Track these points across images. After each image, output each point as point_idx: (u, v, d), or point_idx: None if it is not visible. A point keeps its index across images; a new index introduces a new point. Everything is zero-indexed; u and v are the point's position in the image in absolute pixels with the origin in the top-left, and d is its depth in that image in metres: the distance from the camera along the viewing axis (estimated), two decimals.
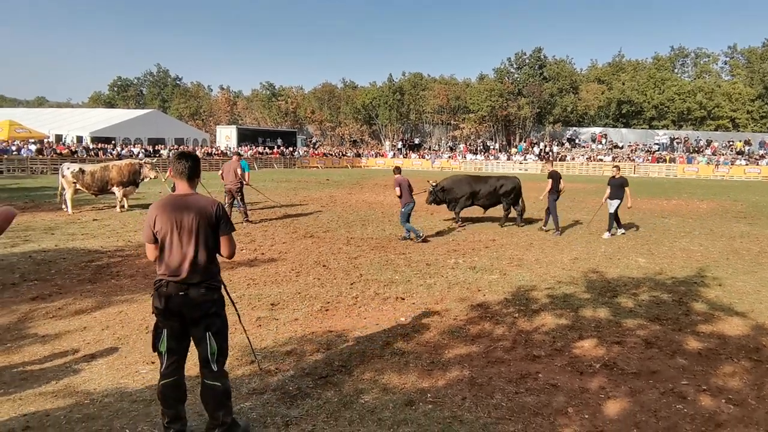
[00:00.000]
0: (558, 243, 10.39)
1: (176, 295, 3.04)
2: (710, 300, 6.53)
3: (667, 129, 49.17)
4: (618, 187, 11.32)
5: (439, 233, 11.34)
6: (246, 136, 48.93)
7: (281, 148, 47.90)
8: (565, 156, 46.39)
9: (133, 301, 6.05)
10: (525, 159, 46.15)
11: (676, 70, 55.51)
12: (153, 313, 3.15)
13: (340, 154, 50.52)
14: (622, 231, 11.52)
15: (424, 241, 10.17)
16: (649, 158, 43.62)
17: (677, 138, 47.22)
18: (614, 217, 11.33)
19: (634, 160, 43.44)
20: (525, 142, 50.83)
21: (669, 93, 48.50)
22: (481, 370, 4.34)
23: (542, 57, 52.21)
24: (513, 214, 12.75)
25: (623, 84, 51.32)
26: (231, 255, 3.28)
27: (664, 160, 42.63)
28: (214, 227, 3.15)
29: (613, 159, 44.01)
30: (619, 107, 51.11)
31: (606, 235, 11.19)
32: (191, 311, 3.06)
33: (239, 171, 12.21)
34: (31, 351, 4.59)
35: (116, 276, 7.21)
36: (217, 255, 3.27)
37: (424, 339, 5.05)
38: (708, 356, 4.75)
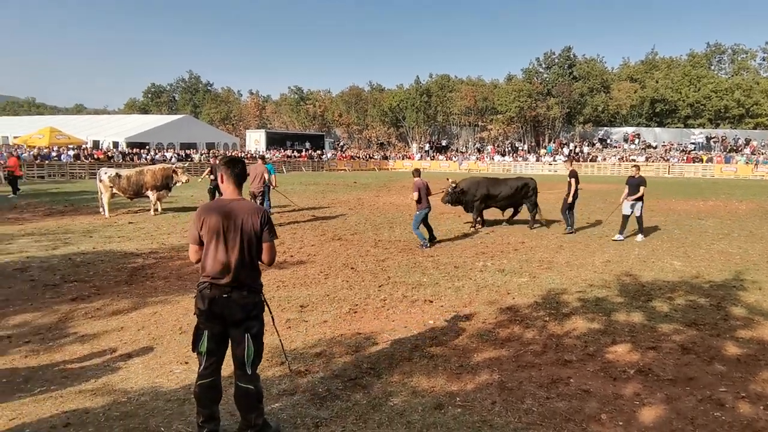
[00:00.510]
0: (589, 245, 10.19)
1: (219, 298, 3.10)
2: (750, 304, 6.30)
3: (703, 128, 47.70)
4: (635, 186, 10.89)
5: (466, 235, 11.26)
6: (275, 140, 49.63)
7: (309, 151, 48.38)
8: (596, 156, 45.49)
9: (167, 303, 6.20)
10: (554, 160, 45.43)
11: (712, 67, 53.78)
12: (195, 314, 3.22)
13: (368, 156, 50.70)
14: (641, 236, 10.80)
15: (427, 246, 9.83)
16: (685, 158, 42.37)
17: (714, 137, 45.76)
18: (640, 219, 10.92)
19: (668, 160, 42.28)
20: (554, 142, 50.05)
21: (705, 91, 47.04)
22: (511, 375, 4.30)
23: (572, 56, 51.36)
24: (509, 215, 13.01)
25: (657, 82, 50.01)
26: (271, 262, 3.32)
27: (701, 160, 41.35)
28: (258, 233, 3.19)
29: (647, 159, 42.96)
30: (652, 106, 49.83)
31: (639, 237, 10.81)
32: (233, 314, 3.11)
33: (266, 175, 12.46)
34: (72, 350, 4.76)
35: (151, 278, 7.41)
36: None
37: (452, 342, 5.02)
38: (747, 362, 4.59)
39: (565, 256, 9.16)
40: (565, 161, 13.29)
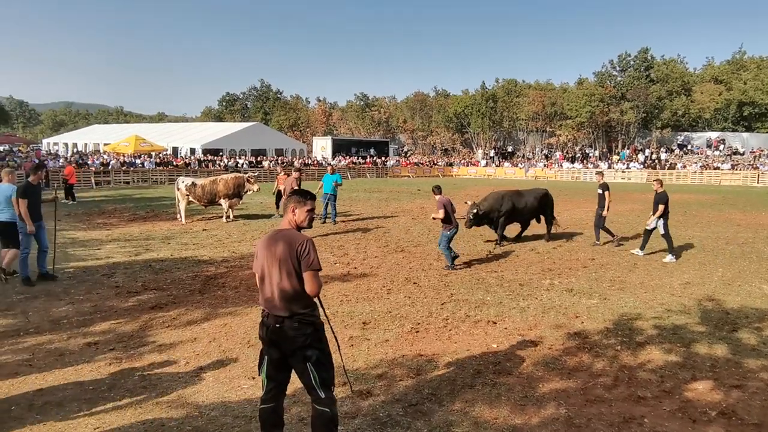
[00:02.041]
0: (666, 264, 9.60)
1: (273, 327, 3.19)
2: None
3: None
4: (655, 203, 10.20)
5: (533, 250, 10.94)
6: (340, 147, 50.58)
7: (374, 157, 48.91)
8: (675, 164, 42.83)
9: (237, 314, 6.46)
10: (628, 167, 43.24)
11: None
12: (259, 337, 3.35)
13: (432, 163, 50.53)
14: (672, 257, 9.97)
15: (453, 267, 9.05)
16: None
17: None
18: (666, 237, 10.15)
19: (758, 167, 39.03)
20: (628, 148, 47.64)
21: None
22: (578, 410, 4.11)
23: (649, 58, 48.73)
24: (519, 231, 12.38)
25: (745, 84, 46.32)
26: (313, 293, 3.21)
27: None
28: (297, 263, 3.19)
29: (733, 167, 39.93)
30: (739, 109, 46.23)
31: (668, 258, 9.98)
32: (286, 344, 3.18)
33: (295, 186, 12.59)
34: (150, 359, 5.07)
35: (222, 287, 7.75)
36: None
37: (517, 369, 4.88)
38: None
39: (639, 276, 8.68)
40: (596, 174, 12.63)
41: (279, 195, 15.52)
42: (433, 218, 9.30)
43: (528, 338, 5.72)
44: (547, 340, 5.65)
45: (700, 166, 41.12)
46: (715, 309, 6.84)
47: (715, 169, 39.95)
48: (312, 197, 3.41)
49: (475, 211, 11.01)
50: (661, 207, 10.11)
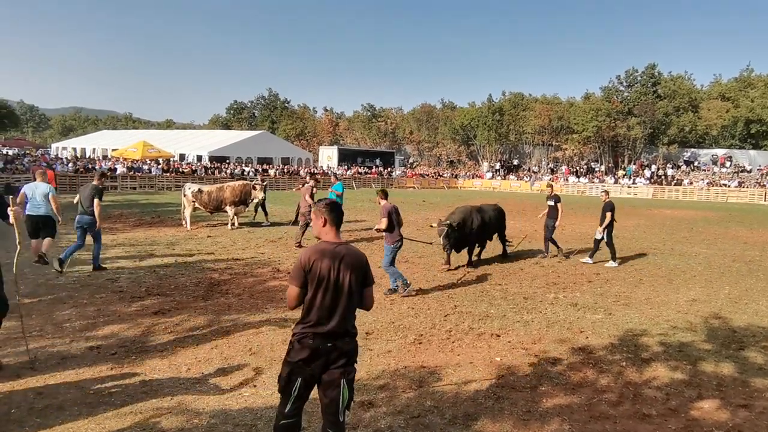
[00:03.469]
0: (672, 281, 9.52)
1: (323, 347, 3.03)
2: None
3: None
4: (602, 212, 10.79)
5: (537, 263, 10.89)
6: (346, 156, 50.77)
7: (379, 168, 49.02)
8: (682, 180, 42.69)
9: (239, 321, 6.44)
10: (634, 182, 43.15)
11: None
12: (288, 360, 3.09)
13: (437, 174, 50.60)
14: (614, 263, 10.75)
15: (408, 294, 7.88)
16: None
17: None
18: (610, 245, 10.80)
19: (765, 185, 38.86)
20: (635, 164, 47.57)
21: None
22: (582, 426, 4.06)
23: (656, 74, 48.85)
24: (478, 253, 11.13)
25: (752, 101, 46.32)
26: (371, 306, 3.30)
27: None
28: (362, 279, 3.15)
29: (740, 184, 39.78)
30: (746, 127, 46.18)
31: (610, 263, 10.69)
32: (336, 360, 3.05)
33: (307, 195, 12.47)
34: (152, 364, 5.05)
35: (225, 294, 7.74)
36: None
37: (520, 383, 4.83)
38: None
39: (644, 292, 8.61)
40: (547, 187, 12.58)
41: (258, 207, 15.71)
42: (377, 230, 8.31)
43: (532, 352, 5.67)
44: (551, 355, 5.60)
45: (707, 183, 40.97)
46: (722, 327, 6.77)
47: (722, 186, 39.80)
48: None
49: (448, 222, 9.65)
50: (608, 215, 10.58)
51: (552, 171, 50.62)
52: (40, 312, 6.54)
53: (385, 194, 8.50)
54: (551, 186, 12.54)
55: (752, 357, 5.67)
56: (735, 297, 8.40)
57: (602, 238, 10.75)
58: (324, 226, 3.23)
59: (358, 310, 3.23)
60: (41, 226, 8.81)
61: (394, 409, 4.25)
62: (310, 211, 12.57)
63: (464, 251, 10.58)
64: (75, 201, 9.04)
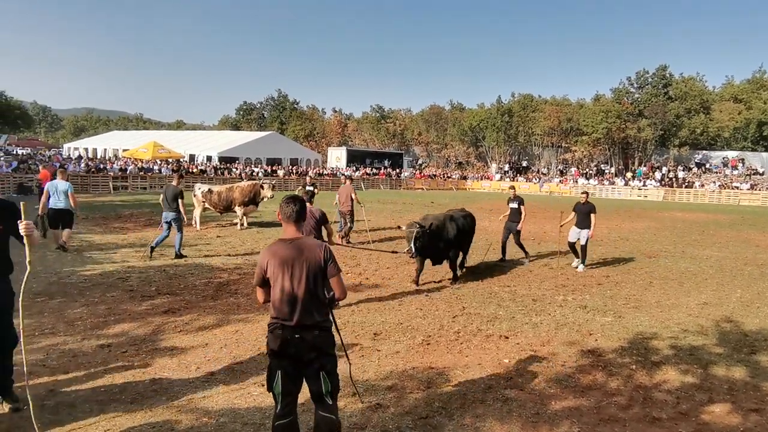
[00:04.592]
0: (683, 284, 9.44)
1: (291, 339, 3.11)
2: None
3: None
4: (585, 215, 10.19)
5: (546, 265, 10.83)
6: (355, 157, 50.84)
7: (388, 169, 49.03)
8: (693, 182, 42.30)
9: (248, 321, 6.47)
10: (644, 185, 42.80)
11: None
12: (267, 354, 3.25)
13: (445, 176, 50.52)
14: (582, 266, 10.33)
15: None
16: None
17: None
18: (583, 249, 10.30)
19: None
20: (645, 166, 47.21)
21: None
22: (592, 429, 4.04)
23: (668, 75, 48.46)
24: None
25: (765, 103, 45.75)
26: (342, 295, 3.31)
27: None
28: (322, 270, 3.19)
29: (752, 186, 39.34)
30: (759, 129, 45.63)
31: (579, 266, 10.27)
32: (306, 353, 3.12)
33: (353, 195, 12.97)
34: (162, 363, 5.09)
35: (234, 294, 7.78)
36: (327, 295, 3.32)
37: (528, 385, 4.82)
38: None
39: (655, 295, 8.54)
40: (510, 188, 12.13)
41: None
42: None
43: (540, 354, 5.64)
44: (560, 357, 5.58)
45: (719, 185, 40.57)
46: (733, 330, 6.70)
47: (734, 188, 39.39)
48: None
49: (418, 228, 8.27)
50: (593, 217, 10.15)
51: (561, 173, 50.37)
52: (53, 310, 6.62)
53: (311, 196, 7.58)
54: (514, 187, 12.01)
55: (764, 361, 5.60)
56: (747, 300, 8.31)
57: (587, 240, 10.23)
58: (283, 222, 3.31)
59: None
60: (61, 218, 10.35)
61: (402, 409, 4.25)
62: (351, 210, 12.89)
63: (430, 264, 9.07)
64: (161, 200, 10.67)
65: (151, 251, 10.11)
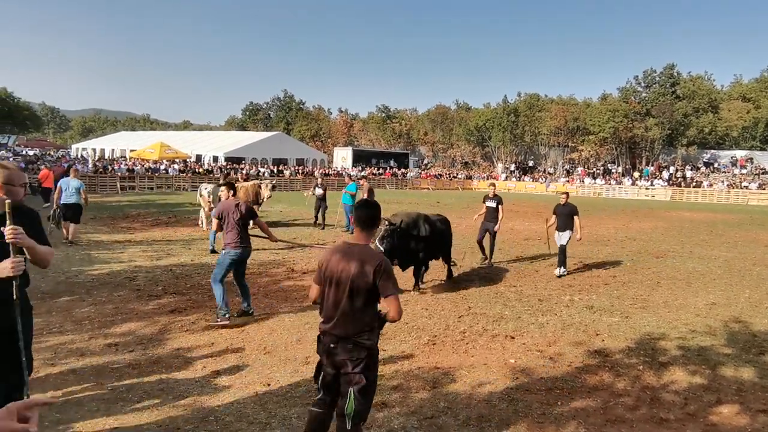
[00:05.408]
0: (691, 284, 9.37)
1: (327, 347, 3.07)
2: None
3: None
4: (567, 216, 9.70)
5: (552, 265, 10.77)
6: (360, 157, 50.91)
7: (393, 169, 49.03)
8: (701, 182, 42.01)
9: (254, 321, 6.48)
10: (651, 184, 42.55)
11: None
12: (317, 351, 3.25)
13: (451, 176, 50.45)
14: (564, 271, 9.67)
15: (224, 325, 6.08)
16: None
17: None
18: (562, 250, 9.70)
19: None
20: (652, 165, 46.93)
21: None
22: (599, 429, 4.01)
23: (675, 74, 48.18)
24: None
25: None
26: (396, 316, 3.05)
27: None
28: (369, 284, 2.98)
29: (760, 186, 39.02)
30: None
31: (558, 271, 9.64)
32: (337, 364, 3.05)
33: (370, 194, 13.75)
34: (168, 362, 5.11)
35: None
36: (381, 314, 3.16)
37: (534, 385, 4.79)
38: None
39: (662, 295, 8.49)
40: (489, 185, 11.48)
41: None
42: (216, 230, 6.72)
43: (547, 354, 5.62)
44: (566, 357, 5.55)
45: (727, 185, 40.27)
46: (742, 331, 6.64)
47: (742, 188, 39.08)
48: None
49: (387, 224, 7.47)
50: (577, 219, 9.67)
51: (568, 173, 50.17)
52: (60, 309, 6.66)
53: (231, 187, 6.76)
54: (494, 185, 11.28)
55: None
56: (755, 301, 8.24)
57: (567, 242, 9.72)
58: (354, 223, 3.26)
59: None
60: (71, 211, 11.34)
61: (407, 409, 4.24)
62: None
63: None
64: (209, 200, 12.07)
65: (213, 250, 10.82)
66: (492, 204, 10.49)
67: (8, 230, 2.84)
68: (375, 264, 2.99)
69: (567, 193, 10.29)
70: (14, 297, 2.88)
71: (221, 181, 14.10)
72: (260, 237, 7.08)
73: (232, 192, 6.70)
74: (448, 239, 9.14)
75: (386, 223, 7.46)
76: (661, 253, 12.74)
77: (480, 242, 10.69)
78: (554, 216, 10.02)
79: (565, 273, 9.74)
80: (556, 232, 9.91)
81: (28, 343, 3.05)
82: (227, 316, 6.13)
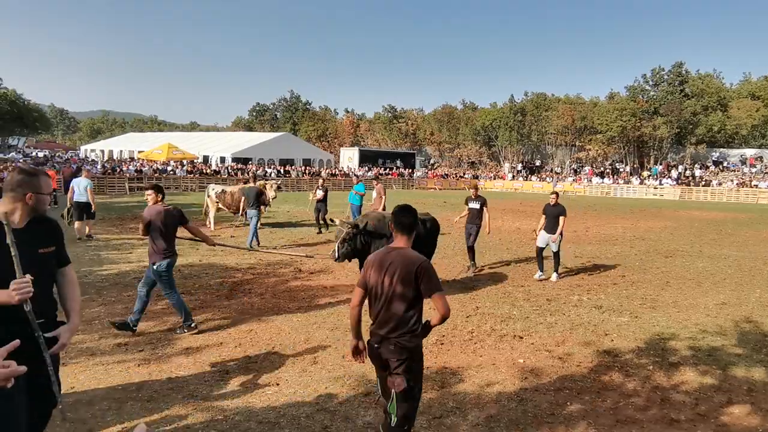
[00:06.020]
0: (701, 283, 9.30)
1: (372, 347, 3.19)
2: None
3: None
4: (554, 217, 9.28)
5: (560, 265, 10.71)
6: (367, 158, 50.92)
7: (400, 169, 49.02)
8: (710, 181, 41.67)
9: (262, 320, 6.51)
10: (660, 183, 42.26)
11: None
12: None
13: (458, 175, 50.37)
14: (555, 275, 9.33)
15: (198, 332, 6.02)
16: None
17: None
18: (556, 256, 9.35)
19: None
20: (661, 164, 46.62)
21: None
22: (608, 430, 3.99)
23: (684, 72, 47.83)
24: None
25: None
26: (443, 314, 3.13)
27: None
28: (413, 285, 3.06)
29: None
30: None
31: (552, 276, 9.31)
32: (383, 364, 3.15)
33: (383, 193, 14.01)
34: (177, 362, 5.14)
35: (248, 293, 7.83)
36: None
37: (543, 386, 4.77)
38: None
39: (672, 294, 8.43)
40: (472, 187, 11.14)
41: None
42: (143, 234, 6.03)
43: (555, 354, 5.59)
44: (575, 357, 5.52)
45: (737, 184, 39.92)
46: (753, 331, 6.58)
47: (752, 186, 38.73)
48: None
49: (349, 227, 7.21)
50: (562, 219, 9.25)
51: (575, 172, 49.94)
52: None
53: (158, 190, 6.15)
54: (476, 187, 10.80)
55: None
56: (766, 300, 8.16)
57: (559, 246, 9.39)
58: (394, 229, 3.29)
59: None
60: (83, 209, 12.01)
61: None
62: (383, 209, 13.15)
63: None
64: (242, 200, 12.97)
65: (258, 244, 11.83)
66: (475, 205, 10.07)
67: (14, 284, 2.37)
68: (416, 267, 3.06)
69: (557, 194, 9.88)
70: (30, 320, 2.44)
71: (249, 183, 14.21)
72: (196, 240, 6.82)
73: (160, 197, 6.13)
74: (431, 240, 8.44)
75: (348, 225, 7.26)
76: (670, 252, 12.65)
77: (471, 248, 10.13)
78: (543, 216, 9.66)
79: (557, 278, 9.41)
80: (543, 232, 9.54)
81: (55, 369, 2.65)
82: (193, 325, 6.00)
